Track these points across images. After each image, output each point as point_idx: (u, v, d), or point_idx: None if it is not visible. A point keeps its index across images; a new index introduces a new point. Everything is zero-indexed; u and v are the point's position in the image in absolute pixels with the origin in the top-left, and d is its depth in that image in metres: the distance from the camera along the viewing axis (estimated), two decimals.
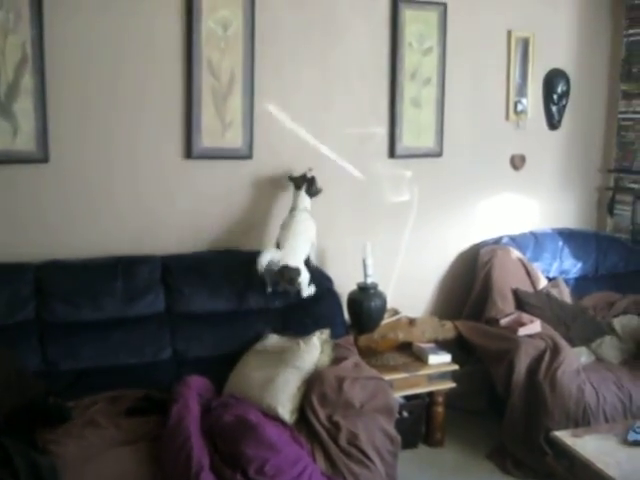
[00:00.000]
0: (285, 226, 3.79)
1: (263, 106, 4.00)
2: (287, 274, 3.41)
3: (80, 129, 3.66)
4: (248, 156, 3.98)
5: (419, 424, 4.04)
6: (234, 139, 3.94)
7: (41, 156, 3.57)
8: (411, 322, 4.17)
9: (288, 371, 3.25)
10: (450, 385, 4.02)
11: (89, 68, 3.64)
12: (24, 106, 3.51)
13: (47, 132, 3.56)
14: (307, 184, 3.90)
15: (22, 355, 3.25)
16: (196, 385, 3.15)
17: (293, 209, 3.86)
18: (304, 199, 3.88)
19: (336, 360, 3.43)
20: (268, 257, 3.55)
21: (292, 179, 3.94)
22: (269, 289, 3.68)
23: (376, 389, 3.23)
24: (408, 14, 4.28)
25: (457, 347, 4.21)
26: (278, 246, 3.70)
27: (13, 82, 3.48)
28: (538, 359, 3.81)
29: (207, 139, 3.87)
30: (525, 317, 4.12)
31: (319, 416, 3.06)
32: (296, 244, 3.70)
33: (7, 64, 3.46)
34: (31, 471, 2.58)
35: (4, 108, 3.48)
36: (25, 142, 3.53)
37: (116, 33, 3.66)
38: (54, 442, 2.82)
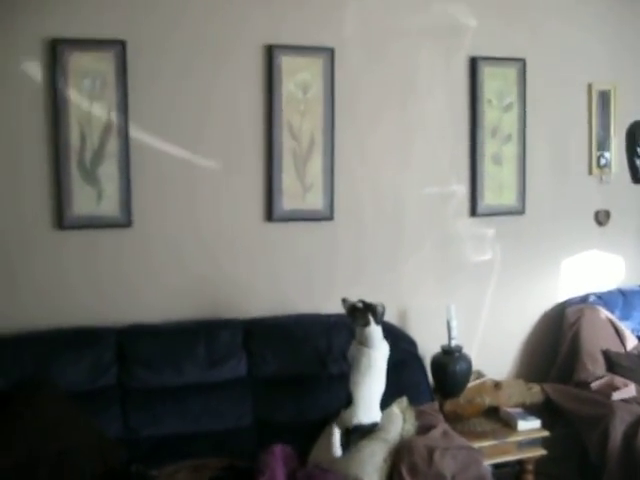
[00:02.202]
0: (358, 370, 3.28)
1: (343, 167, 3.97)
2: (361, 430, 3.20)
3: (163, 193, 3.69)
4: (329, 217, 3.96)
5: None
6: (315, 201, 3.92)
7: (125, 221, 3.60)
8: (497, 385, 4.03)
9: (373, 443, 3.15)
10: (540, 452, 3.83)
11: (171, 132, 3.68)
12: (109, 171, 3.56)
13: (130, 196, 3.60)
14: (371, 314, 3.33)
15: (104, 421, 3.24)
16: (281, 454, 3.07)
17: (367, 346, 3.31)
18: (375, 331, 3.33)
19: (423, 428, 3.33)
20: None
21: (355, 320, 3.37)
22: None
23: (468, 460, 3.10)
24: (487, 71, 4.24)
25: (545, 411, 4.04)
26: (349, 391, 3.25)
27: (98, 148, 3.54)
28: (635, 425, 3.65)
29: (288, 201, 3.87)
30: (618, 380, 3.95)
31: None
32: (372, 395, 3.26)
33: (93, 130, 3.53)
34: None
35: (89, 174, 3.54)
36: (109, 207, 3.58)
37: (198, 97, 3.71)
38: None
